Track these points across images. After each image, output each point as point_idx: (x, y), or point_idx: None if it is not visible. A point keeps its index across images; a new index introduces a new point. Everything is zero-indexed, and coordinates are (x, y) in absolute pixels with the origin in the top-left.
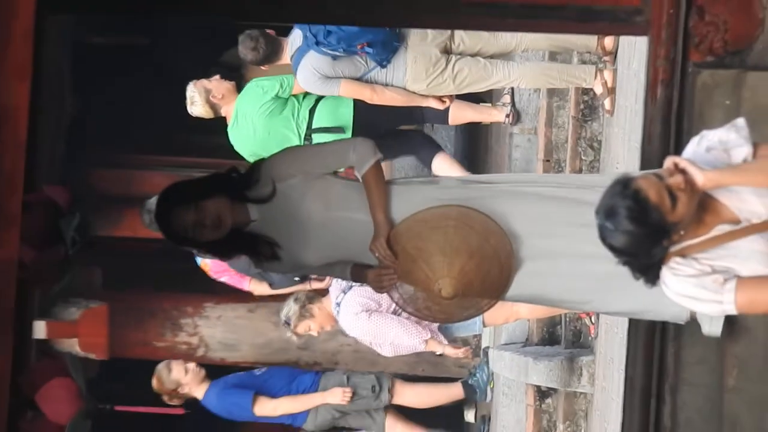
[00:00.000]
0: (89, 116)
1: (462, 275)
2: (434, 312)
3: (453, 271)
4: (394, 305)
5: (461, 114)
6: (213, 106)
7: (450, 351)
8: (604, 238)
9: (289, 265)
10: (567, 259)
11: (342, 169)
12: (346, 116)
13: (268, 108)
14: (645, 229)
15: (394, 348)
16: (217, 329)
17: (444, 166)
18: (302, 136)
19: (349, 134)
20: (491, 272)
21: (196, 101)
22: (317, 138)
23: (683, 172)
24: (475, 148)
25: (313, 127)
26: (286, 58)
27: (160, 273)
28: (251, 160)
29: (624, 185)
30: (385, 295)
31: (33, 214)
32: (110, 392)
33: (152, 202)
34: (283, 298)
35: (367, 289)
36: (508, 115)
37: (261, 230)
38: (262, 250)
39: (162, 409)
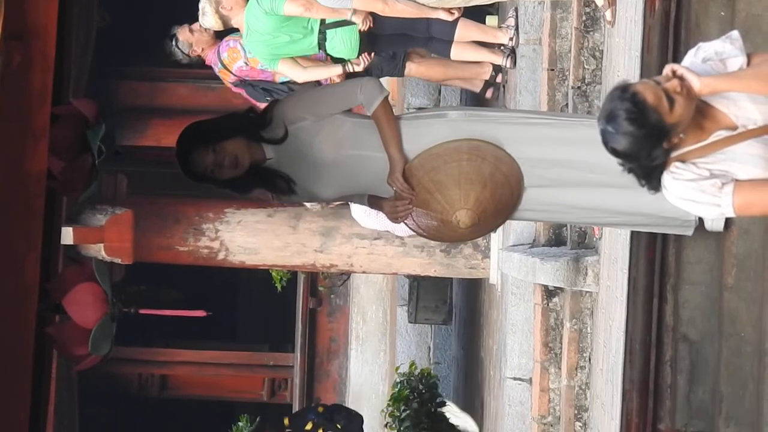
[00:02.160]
0: (115, 30)
1: (477, 205)
2: (449, 237)
3: (469, 202)
4: None
5: (467, 32)
6: (222, 17)
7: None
8: (606, 142)
9: (305, 197)
10: (576, 172)
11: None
12: None
13: (271, 17)
14: (644, 129)
15: (406, 231)
16: (237, 234)
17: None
18: (316, 31)
19: (357, 27)
20: (503, 198)
21: (207, 12)
22: (331, 35)
23: (681, 78)
24: None
25: (327, 22)
26: None
27: (183, 181)
28: (269, 64)
29: (622, 90)
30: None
31: (61, 127)
32: (135, 295)
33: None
34: (302, 204)
35: None
36: (511, 38)
37: (277, 167)
38: (278, 186)
39: (184, 312)
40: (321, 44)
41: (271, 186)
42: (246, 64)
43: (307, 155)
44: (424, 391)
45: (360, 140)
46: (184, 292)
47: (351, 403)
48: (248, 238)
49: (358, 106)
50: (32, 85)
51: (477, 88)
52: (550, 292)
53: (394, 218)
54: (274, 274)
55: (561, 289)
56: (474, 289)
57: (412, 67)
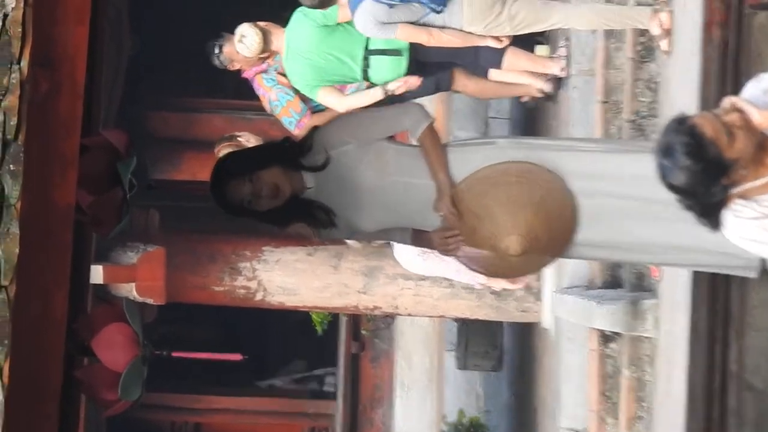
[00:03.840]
0: (147, 58)
1: (529, 231)
2: (501, 268)
3: (519, 227)
4: None
5: (516, 61)
6: (264, 37)
7: (509, 285)
8: (663, 176)
9: (345, 231)
10: (633, 204)
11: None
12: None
13: (318, 34)
14: (702, 164)
15: (456, 273)
16: (275, 273)
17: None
18: (360, 59)
19: (405, 57)
20: (556, 228)
21: (248, 33)
22: (375, 61)
23: (740, 111)
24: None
25: (370, 48)
26: (343, 2)
27: (219, 217)
28: (308, 92)
29: (679, 122)
30: None
31: (91, 158)
32: (167, 337)
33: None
34: (343, 242)
35: None
36: (563, 69)
37: (317, 197)
38: (318, 217)
39: (219, 355)
40: (365, 71)
41: (311, 218)
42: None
43: (349, 182)
44: None
45: (405, 167)
46: (217, 332)
47: None
48: (287, 278)
49: (402, 134)
50: (60, 113)
51: (535, 93)
52: (606, 338)
53: (445, 248)
54: (314, 316)
55: (618, 334)
56: (526, 334)
57: (459, 80)
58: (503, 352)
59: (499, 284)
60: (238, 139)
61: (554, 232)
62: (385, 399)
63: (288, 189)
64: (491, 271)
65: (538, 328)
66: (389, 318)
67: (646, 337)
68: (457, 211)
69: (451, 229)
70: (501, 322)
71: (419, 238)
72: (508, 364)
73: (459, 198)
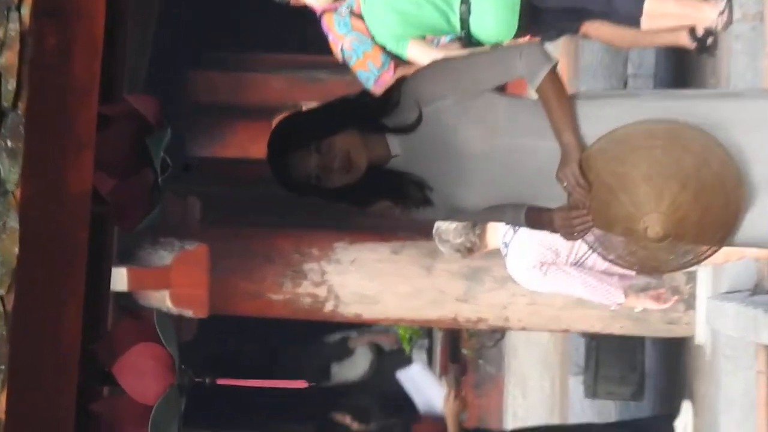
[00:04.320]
0: (185, 8)
1: (673, 210)
2: (640, 259)
3: (662, 204)
4: (576, 255)
5: (659, 5)
6: None
7: (652, 304)
8: None
9: (443, 210)
10: None
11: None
12: None
13: None
14: None
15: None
16: (350, 276)
17: None
18: (457, 3)
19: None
20: (712, 206)
21: None
22: (478, 7)
23: None
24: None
25: None
26: None
27: (277, 205)
28: (393, 46)
29: None
30: (566, 242)
31: (112, 132)
32: (212, 361)
33: None
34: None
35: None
36: (722, 12)
37: (405, 167)
38: (409, 194)
39: (279, 382)
40: (464, 20)
41: (399, 194)
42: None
43: (447, 146)
44: None
45: (518, 125)
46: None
47: None
48: (365, 282)
49: (514, 85)
50: (73, 75)
51: (686, 43)
52: None
53: (570, 234)
54: (401, 331)
55: None
56: (674, 352)
57: (590, 25)
58: (644, 376)
59: (640, 304)
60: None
61: (709, 213)
62: None
63: (367, 158)
64: (629, 262)
65: (690, 344)
66: (497, 333)
67: None
68: (586, 182)
69: (578, 206)
70: (642, 338)
71: (537, 218)
72: (651, 391)
73: (589, 165)
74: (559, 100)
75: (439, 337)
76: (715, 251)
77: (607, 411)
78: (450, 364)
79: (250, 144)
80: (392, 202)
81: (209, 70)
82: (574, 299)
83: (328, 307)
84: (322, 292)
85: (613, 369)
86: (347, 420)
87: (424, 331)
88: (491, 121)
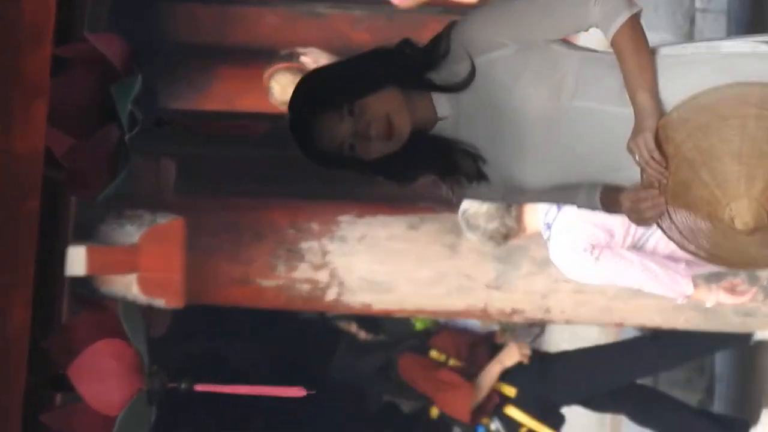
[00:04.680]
0: None
1: (767, 196)
2: (726, 252)
3: (753, 188)
4: (634, 236)
5: None
6: None
7: (727, 297)
8: None
9: (500, 187)
10: None
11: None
12: None
13: None
14: None
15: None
16: (358, 258)
17: None
18: None
19: None
20: None
21: None
22: None
23: None
24: None
25: None
26: None
27: (270, 169)
28: None
29: None
30: (624, 221)
31: (70, 78)
32: (191, 362)
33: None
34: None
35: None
36: None
37: (455, 134)
38: (461, 166)
39: (273, 390)
40: None
41: (449, 166)
42: None
43: (502, 108)
44: None
45: (591, 85)
46: (263, 352)
47: None
48: (376, 265)
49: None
50: (23, 9)
51: None
52: None
53: (640, 219)
54: (418, 324)
55: None
56: (750, 352)
57: None
58: (714, 380)
59: (712, 297)
60: (302, 58)
61: None
62: None
63: (411, 122)
64: (711, 255)
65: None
66: (536, 328)
67: None
68: (661, 155)
69: (650, 185)
70: (711, 334)
71: (614, 200)
72: (722, 398)
73: (667, 135)
74: (638, 54)
75: None
76: None
77: None
78: None
79: (237, 94)
80: (440, 177)
81: (188, 2)
82: (630, 289)
83: (331, 295)
84: (323, 276)
85: (678, 371)
86: (353, 328)
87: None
88: (558, 78)
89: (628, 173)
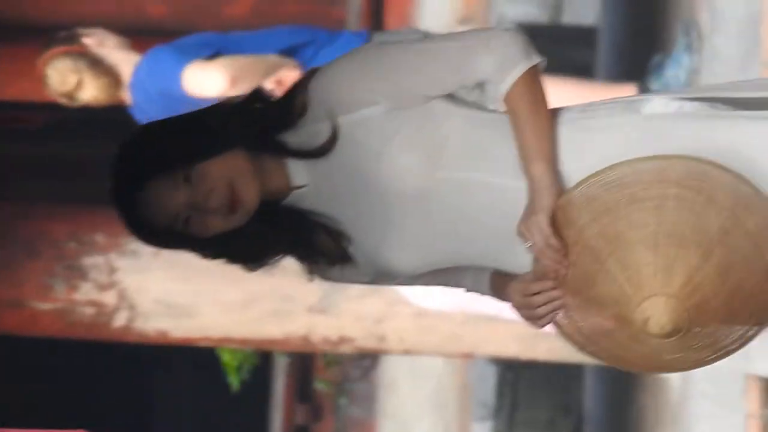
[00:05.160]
0: None
1: (689, 292)
2: (634, 356)
3: (672, 283)
4: None
5: None
6: None
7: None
8: None
9: (367, 270)
10: None
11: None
12: None
13: None
14: None
15: None
16: (153, 276)
17: None
18: None
19: None
20: (743, 284)
21: None
22: None
23: None
24: None
25: None
26: None
27: (47, 168)
28: None
29: None
30: None
31: None
32: None
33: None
34: None
35: None
36: None
37: (313, 205)
38: (320, 246)
39: None
40: None
41: (306, 245)
42: None
43: (369, 178)
44: None
45: (478, 153)
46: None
47: None
48: (175, 284)
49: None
50: None
51: None
52: None
53: (532, 316)
54: (226, 357)
55: None
56: (626, 386)
57: None
58: (582, 420)
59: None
60: (84, 41)
61: (740, 293)
62: None
63: (258, 192)
64: (612, 357)
65: (649, 376)
66: (368, 360)
67: None
68: (560, 240)
69: (545, 275)
70: (580, 366)
71: (501, 286)
72: None
73: (567, 217)
74: (535, 115)
75: (282, 366)
76: (743, 345)
77: None
78: (297, 405)
79: (10, 80)
80: (295, 257)
81: None
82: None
83: (119, 320)
84: (110, 299)
85: (538, 411)
86: None
87: (261, 356)
88: (437, 144)
89: (524, 259)
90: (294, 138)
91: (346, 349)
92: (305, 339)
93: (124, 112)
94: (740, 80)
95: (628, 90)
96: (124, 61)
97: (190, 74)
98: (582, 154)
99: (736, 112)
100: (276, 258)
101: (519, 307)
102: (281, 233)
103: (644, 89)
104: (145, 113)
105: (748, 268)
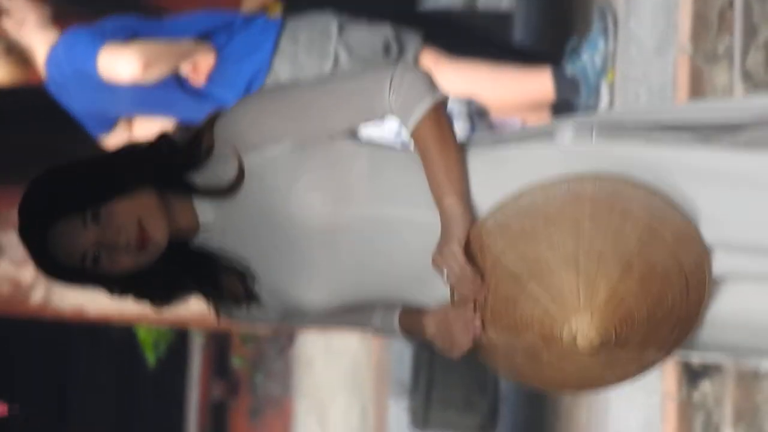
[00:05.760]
0: None
1: (614, 306)
2: (562, 375)
3: (597, 298)
4: None
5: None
6: None
7: None
8: None
9: (275, 310)
10: None
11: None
12: None
13: None
14: None
15: None
16: None
17: None
18: None
19: None
20: (666, 296)
21: None
22: None
23: None
24: None
25: None
26: None
27: None
28: None
29: None
30: None
31: None
32: None
33: None
34: None
35: None
36: None
37: (220, 244)
38: (227, 285)
39: None
40: None
41: (215, 286)
42: None
43: (276, 216)
44: None
45: (387, 189)
46: None
47: None
48: None
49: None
50: None
51: None
52: (693, 372)
53: (450, 343)
54: (142, 334)
55: (715, 366)
56: None
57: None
58: (498, 401)
59: None
60: (1, 22)
61: (663, 304)
62: None
63: (167, 231)
64: (533, 376)
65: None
66: (284, 338)
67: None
68: (477, 269)
69: (463, 304)
70: None
71: (414, 321)
72: (508, 424)
73: (482, 245)
74: (444, 149)
75: (199, 343)
76: (668, 355)
77: None
78: (214, 382)
79: None
80: (202, 296)
81: None
82: None
83: (36, 298)
84: (27, 276)
85: (454, 390)
86: None
87: (177, 333)
88: (344, 182)
89: (439, 292)
90: (201, 178)
91: (262, 327)
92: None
93: (39, 94)
94: (652, 106)
95: (543, 73)
96: (41, 42)
97: (104, 57)
98: (496, 186)
99: (647, 135)
100: (183, 296)
101: (436, 337)
102: (188, 273)
103: (560, 73)
104: (61, 90)
105: (668, 279)
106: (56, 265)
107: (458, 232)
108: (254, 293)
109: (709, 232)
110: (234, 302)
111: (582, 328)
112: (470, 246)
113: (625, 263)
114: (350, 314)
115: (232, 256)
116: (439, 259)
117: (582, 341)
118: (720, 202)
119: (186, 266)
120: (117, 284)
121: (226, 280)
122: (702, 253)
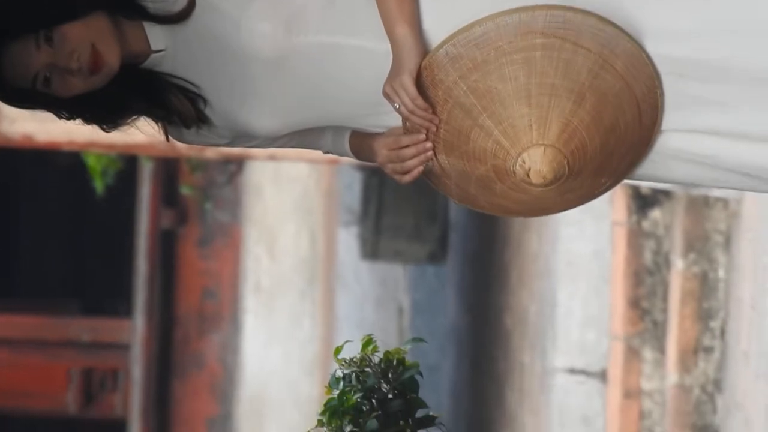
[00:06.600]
0: None
1: (567, 137)
2: (515, 203)
3: (549, 132)
4: None
5: None
6: None
7: None
8: None
9: (225, 131)
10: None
11: None
12: None
13: None
14: None
15: None
16: None
17: None
18: None
19: None
20: (618, 124)
21: None
22: None
23: None
24: None
25: None
26: None
27: None
28: None
29: None
30: None
31: None
32: None
33: None
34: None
35: None
36: None
37: (173, 69)
38: (175, 106)
39: None
40: None
41: (164, 108)
42: None
43: (227, 44)
44: (390, 394)
45: (339, 17)
46: None
47: (247, 417)
48: None
49: None
50: None
51: None
52: (643, 200)
53: (399, 172)
54: (91, 161)
55: (666, 193)
56: None
57: None
58: (448, 230)
59: None
60: None
61: (614, 137)
62: (226, 316)
63: (117, 55)
64: (486, 206)
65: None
66: (233, 165)
67: (719, 200)
68: (429, 100)
69: (415, 134)
70: None
71: (362, 144)
72: (458, 252)
73: (434, 77)
74: None
75: (148, 171)
76: (618, 182)
77: (394, 279)
78: (163, 210)
79: None
80: (151, 117)
81: None
82: None
83: None
84: None
85: (404, 218)
86: None
87: (126, 161)
88: (295, 8)
89: (391, 120)
90: (152, 4)
91: (210, 154)
92: (170, 144)
93: None
94: None
95: None
96: None
97: None
98: (444, 14)
99: None
100: (132, 119)
101: (386, 161)
102: (137, 94)
103: None
104: None
105: (620, 108)
106: (6, 87)
107: (409, 64)
108: (203, 114)
109: (656, 47)
110: (182, 124)
111: (535, 162)
112: (421, 78)
113: (577, 95)
114: (300, 136)
115: (183, 79)
116: (389, 90)
117: (535, 176)
118: (668, 15)
119: (136, 87)
120: (65, 107)
121: (176, 102)
122: (653, 77)
